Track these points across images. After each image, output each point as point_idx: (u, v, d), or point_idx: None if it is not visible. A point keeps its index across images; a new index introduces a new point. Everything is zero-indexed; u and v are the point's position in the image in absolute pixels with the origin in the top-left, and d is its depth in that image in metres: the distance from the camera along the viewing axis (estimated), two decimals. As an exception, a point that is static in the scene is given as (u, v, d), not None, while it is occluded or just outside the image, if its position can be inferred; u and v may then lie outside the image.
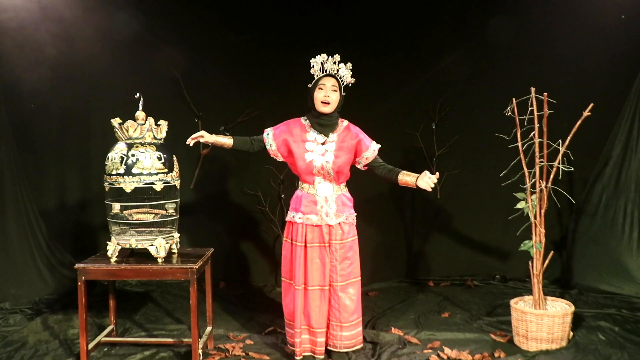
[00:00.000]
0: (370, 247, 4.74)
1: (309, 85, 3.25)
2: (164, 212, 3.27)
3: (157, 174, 3.12)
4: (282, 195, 4.89)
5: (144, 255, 3.19)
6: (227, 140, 3.36)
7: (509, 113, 3.48)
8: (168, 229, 3.29)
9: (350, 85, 3.26)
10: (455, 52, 4.98)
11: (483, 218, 5.05)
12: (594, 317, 3.90)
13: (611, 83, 4.74)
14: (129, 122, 3.16)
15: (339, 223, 3.25)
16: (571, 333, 3.50)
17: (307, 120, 3.31)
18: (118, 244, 3.16)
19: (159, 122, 3.26)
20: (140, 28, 4.76)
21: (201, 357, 3.17)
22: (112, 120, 3.17)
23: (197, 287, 3.10)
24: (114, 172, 3.09)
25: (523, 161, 3.49)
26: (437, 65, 5.01)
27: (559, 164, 3.42)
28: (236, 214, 5.03)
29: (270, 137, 3.32)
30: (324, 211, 3.24)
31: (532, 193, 3.49)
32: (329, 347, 3.32)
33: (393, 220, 5.14)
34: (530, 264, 3.54)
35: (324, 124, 3.25)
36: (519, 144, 3.49)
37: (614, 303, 4.21)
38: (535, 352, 3.36)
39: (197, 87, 4.90)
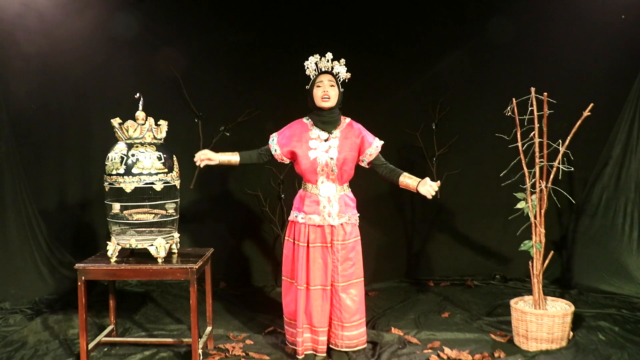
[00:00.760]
0: (371, 247, 4.73)
1: (307, 87, 3.26)
2: (164, 212, 3.27)
3: (157, 174, 3.12)
4: (282, 195, 4.89)
5: (144, 255, 3.19)
6: (233, 158, 3.36)
7: (509, 113, 3.48)
8: (168, 229, 3.29)
9: (346, 80, 3.27)
10: (455, 52, 4.98)
11: (483, 218, 5.05)
12: (594, 317, 3.90)
13: (611, 83, 4.74)
14: (129, 122, 3.16)
15: (342, 224, 3.25)
16: (571, 333, 3.50)
17: (310, 119, 3.32)
18: (118, 244, 3.16)
19: (159, 122, 3.26)
20: (140, 28, 4.76)
21: (201, 357, 3.17)
22: (112, 120, 3.17)
23: (197, 287, 3.10)
24: (114, 172, 3.09)
25: (523, 161, 3.49)
26: (437, 65, 5.01)
27: (559, 164, 3.42)
28: (236, 214, 5.03)
29: (275, 142, 3.33)
30: (326, 211, 3.24)
31: (532, 193, 3.49)
32: (330, 346, 3.33)
33: (393, 220, 5.13)
34: (530, 264, 3.53)
35: (326, 120, 3.26)
36: (519, 144, 3.49)
37: (614, 303, 4.21)
38: (535, 352, 3.36)
39: (197, 87, 4.90)
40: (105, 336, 3.49)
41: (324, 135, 3.26)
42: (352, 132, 3.28)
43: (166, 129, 3.28)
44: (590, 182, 4.82)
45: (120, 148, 3.14)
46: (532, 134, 3.44)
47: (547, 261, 3.54)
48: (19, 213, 4.46)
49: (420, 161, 5.02)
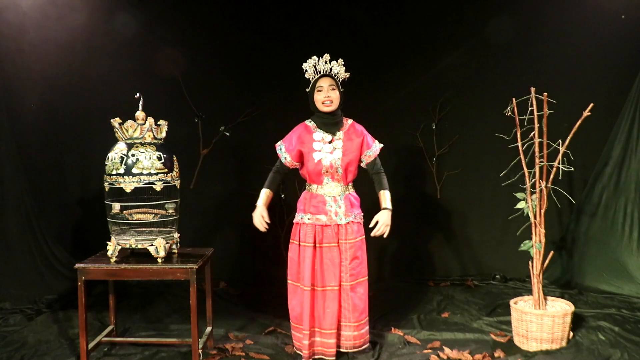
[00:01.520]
0: (371, 247, 4.72)
1: (307, 90, 3.26)
2: (164, 212, 3.26)
3: (157, 174, 3.12)
4: (282, 196, 4.89)
5: (144, 255, 3.19)
6: (268, 195, 3.40)
7: (509, 113, 3.48)
8: (168, 229, 3.29)
9: (346, 80, 3.27)
10: (455, 52, 4.98)
11: (483, 218, 5.05)
12: (594, 317, 3.90)
13: (611, 83, 4.74)
14: (129, 122, 3.15)
15: (348, 223, 3.26)
16: (571, 333, 3.50)
17: (312, 122, 3.32)
18: (118, 244, 3.15)
19: (159, 122, 3.26)
20: (140, 28, 4.76)
21: (201, 357, 3.17)
22: (112, 120, 3.16)
23: (197, 287, 3.10)
24: (114, 172, 3.09)
25: (523, 161, 3.49)
26: (437, 65, 5.01)
27: (559, 164, 3.41)
28: (236, 214, 5.02)
29: (283, 150, 3.33)
30: (333, 211, 3.25)
31: (532, 193, 3.49)
32: (338, 349, 3.30)
33: (393, 220, 5.10)
34: (530, 264, 3.53)
35: (329, 122, 3.27)
36: (519, 144, 3.49)
37: (614, 303, 4.21)
38: (536, 352, 3.36)
39: (197, 87, 4.90)
40: (105, 336, 3.48)
41: (328, 137, 3.27)
42: (355, 133, 3.31)
43: (166, 129, 3.28)
44: (590, 182, 4.82)
45: (120, 148, 3.14)
46: (532, 134, 3.44)
47: (547, 261, 3.54)
48: (19, 213, 4.46)
49: (420, 161, 5.02)
